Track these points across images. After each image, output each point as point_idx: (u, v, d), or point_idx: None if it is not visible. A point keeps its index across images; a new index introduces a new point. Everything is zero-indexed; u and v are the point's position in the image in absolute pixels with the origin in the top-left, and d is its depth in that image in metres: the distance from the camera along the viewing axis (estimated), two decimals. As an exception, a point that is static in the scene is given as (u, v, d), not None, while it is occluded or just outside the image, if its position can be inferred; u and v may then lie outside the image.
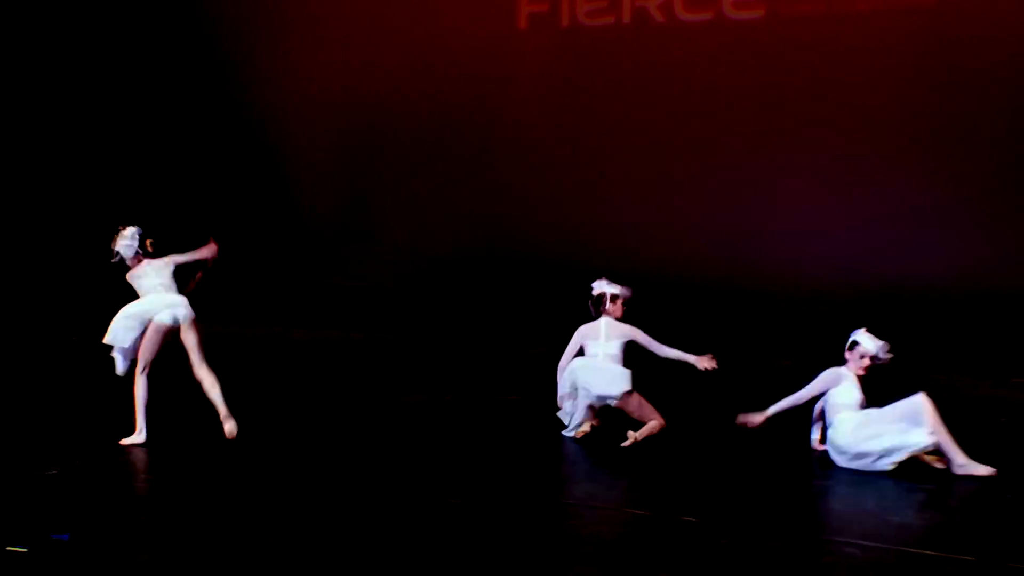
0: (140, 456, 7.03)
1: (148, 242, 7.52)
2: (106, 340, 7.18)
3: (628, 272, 13.32)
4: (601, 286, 7.56)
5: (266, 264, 15.48)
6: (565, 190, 14.57)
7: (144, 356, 7.16)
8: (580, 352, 7.44)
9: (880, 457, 6.54)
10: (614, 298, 7.51)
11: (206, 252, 7.65)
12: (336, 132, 15.79)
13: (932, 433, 6.50)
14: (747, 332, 12.31)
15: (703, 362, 7.25)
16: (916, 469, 6.58)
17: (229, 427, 7.09)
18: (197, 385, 7.28)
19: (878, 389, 7.04)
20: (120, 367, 7.21)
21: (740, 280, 13.48)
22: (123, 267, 7.50)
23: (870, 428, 6.58)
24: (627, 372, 7.22)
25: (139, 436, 7.19)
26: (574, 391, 7.29)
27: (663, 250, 13.93)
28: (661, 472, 6.74)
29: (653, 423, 7.19)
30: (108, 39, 15.94)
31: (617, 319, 7.52)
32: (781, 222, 13.41)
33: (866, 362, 7.02)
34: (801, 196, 13.31)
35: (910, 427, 6.55)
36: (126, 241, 7.43)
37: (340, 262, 15.67)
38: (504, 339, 11.98)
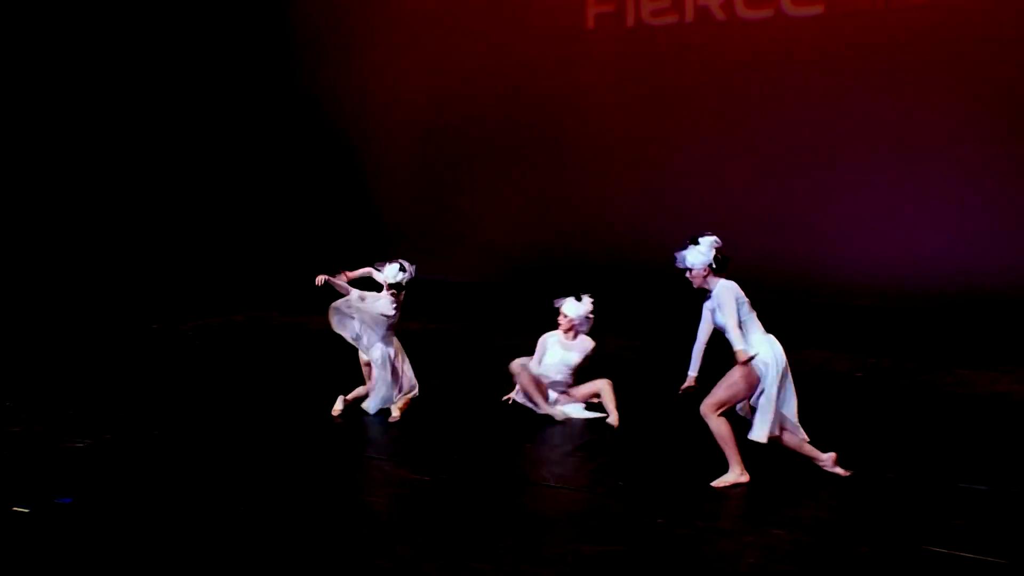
0: (179, 435, 7.64)
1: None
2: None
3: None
4: (559, 304, 7.90)
5: (344, 262, 16.10)
6: (631, 185, 14.79)
7: None
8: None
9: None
10: (563, 317, 7.87)
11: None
12: (413, 132, 16.33)
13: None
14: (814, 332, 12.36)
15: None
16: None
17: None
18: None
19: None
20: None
21: (804, 276, 13.52)
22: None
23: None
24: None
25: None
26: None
27: (730, 245, 14.00)
28: (632, 459, 7.00)
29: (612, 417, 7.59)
30: (198, 42, 16.80)
31: (568, 336, 7.93)
32: (843, 218, 13.40)
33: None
34: (862, 192, 13.27)
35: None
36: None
37: (418, 259, 16.19)
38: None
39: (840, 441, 7.27)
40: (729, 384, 6.24)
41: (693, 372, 6.47)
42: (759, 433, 6.20)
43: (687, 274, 6.32)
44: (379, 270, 8.18)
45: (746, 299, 6.29)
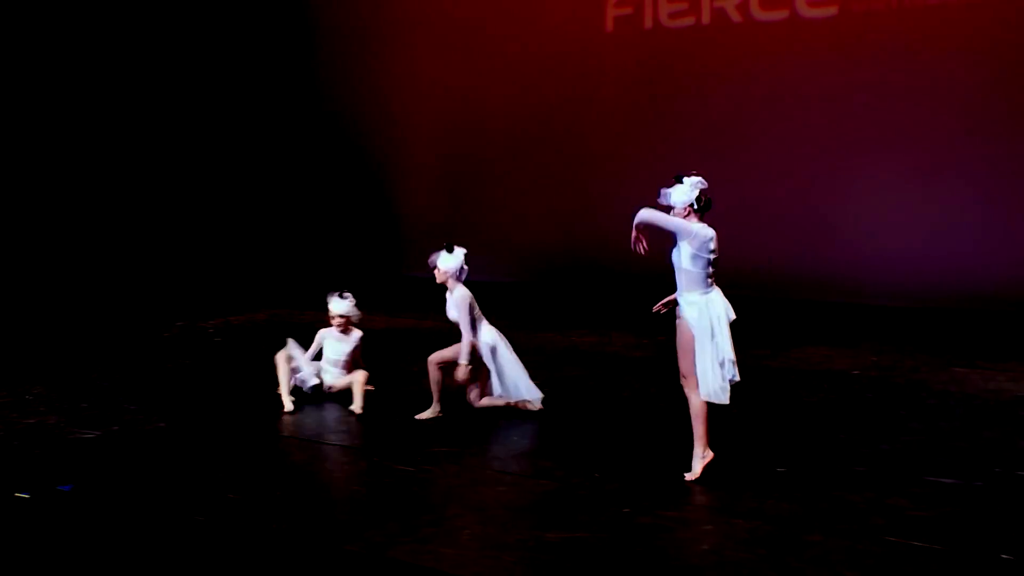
0: (180, 431, 7.98)
1: None
2: None
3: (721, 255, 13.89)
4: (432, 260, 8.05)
5: (366, 262, 16.53)
6: (650, 186, 14.87)
7: None
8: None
9: None
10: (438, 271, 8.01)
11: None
12: (433, 135, 16.65)
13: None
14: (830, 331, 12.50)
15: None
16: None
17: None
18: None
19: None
20: None
21: (813, 278, 13.63)
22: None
23: None
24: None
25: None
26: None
27: (747, 246, 14.17)
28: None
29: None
30: (226, 47, 17.22)
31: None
32: (856, 221, 13.49)
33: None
34: (876, 194, 13.35)
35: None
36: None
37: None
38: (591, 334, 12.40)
39: (815, 435, 7.47)
40: (681, 350, 6.36)
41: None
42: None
43: (670, 211, 6.40)
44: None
45: (711, 256, 6.31)
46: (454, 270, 7.86)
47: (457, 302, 7.82)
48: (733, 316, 6.40)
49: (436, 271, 7.86)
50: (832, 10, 13.56)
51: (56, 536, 5.85)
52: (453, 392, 8.19)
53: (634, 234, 6.22)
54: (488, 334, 7.92)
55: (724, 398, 6.32)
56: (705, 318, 6.27)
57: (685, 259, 6.32)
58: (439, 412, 7.92)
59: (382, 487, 6.45)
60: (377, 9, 16.95)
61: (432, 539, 5.55)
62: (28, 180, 14.81)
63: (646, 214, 6.20)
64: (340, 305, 8.72)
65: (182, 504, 6.15)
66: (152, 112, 16.28)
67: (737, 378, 6.36)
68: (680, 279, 6.38)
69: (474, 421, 7.92)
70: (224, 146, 17.13)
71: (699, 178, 6.38)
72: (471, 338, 7.81)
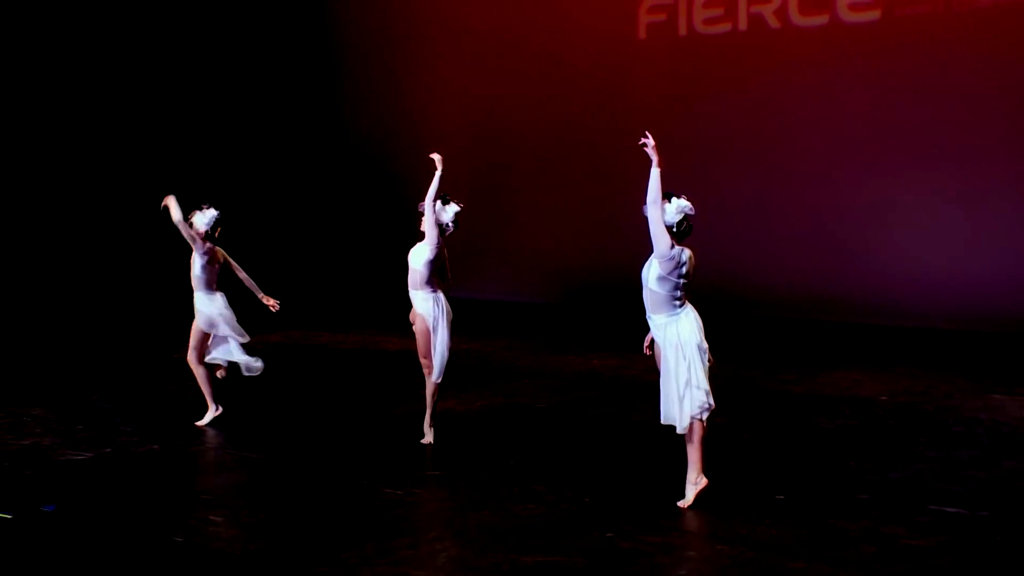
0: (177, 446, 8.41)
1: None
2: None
3: (748, 278, 14.17)
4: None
5: (385, 279, 16.89)
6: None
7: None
8: None
9: None
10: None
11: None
12: (459, 146, 16.95)
13: None
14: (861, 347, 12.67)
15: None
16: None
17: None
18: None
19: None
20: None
21: (849, 298, 13.81)
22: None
23: None
24: None
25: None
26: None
27: (780, 263, 14.42)
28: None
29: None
30: (244, 55, 17.77)
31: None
32: (894, 237, 13.66)
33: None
34: (916, 208, 13.52)
35: None
36: None
37: (463, 278, 16.84)
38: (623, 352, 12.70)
39: (823, 462, 7.71)
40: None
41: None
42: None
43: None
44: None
45: (682, 280, 6.59)
46: (441, 221, 8.22)
47: (427, 255, 8.18)
48: (705, 345, 6.65)
49: (424, 210, 8.19)
50: (875, 14, 13.78)
51: (37, 556, 6.27)
52: (456, 416, 8.53)
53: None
54: (433, 308, 8.15)
55: (679, 425, 6.58)
56: (671, 342, 6.55)
57: (652, 279, 6.61)
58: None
59: (368, 510, 6.79)
60: (401, 17, 17.44)
61: (406, 562, 5.88)
62: (40, 195, 15.41)
63: (652, 195, 6.56)
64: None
65: (161, 525, 6.54)
66: (167, 124, 16.81)
67: (712, 406, 6.61)
68: (646, 298, 6.68)
69: (472, 445, 8.25)
70: (240, 159, 17.62)
71: (688, 204, 6.73)
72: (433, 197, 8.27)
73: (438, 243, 8.17)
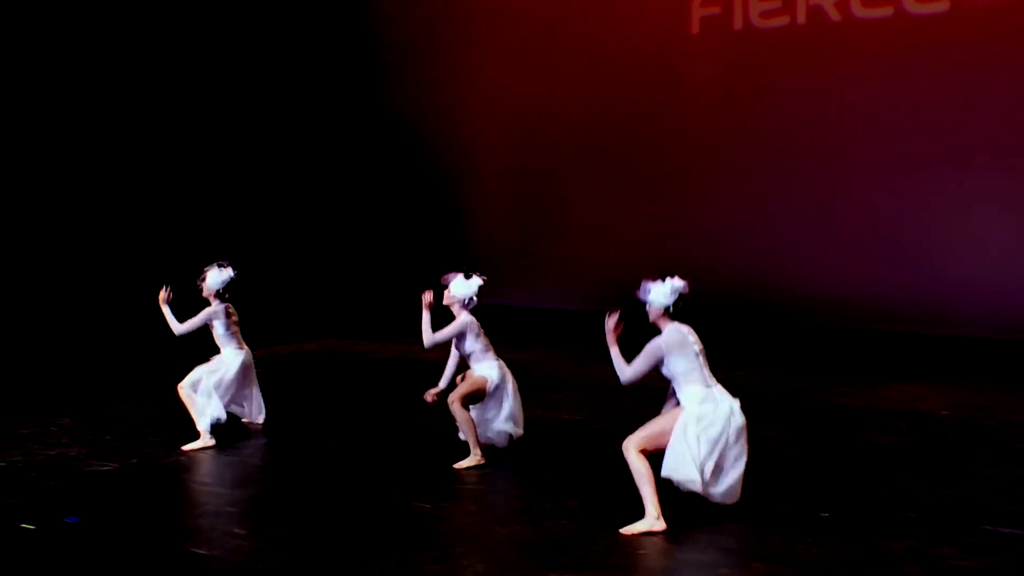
0: (197, 459, 8.65)
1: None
2: None
3: (804, 284, 14.20)
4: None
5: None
6: (741, 201, 15.28)
7: None
8: None
9: None
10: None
11: None
12: (504, 148, 17.22)
13: None
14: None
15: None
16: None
17: None
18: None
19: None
20: None
21: (913, 306, 13.79)
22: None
23: None
24: None
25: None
26: None
27: (838, 270, 14.43)
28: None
29: None
30: (283, 58, 18.05)
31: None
32: (963, 241, 13.62)
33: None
34: (987, 212, 13.48)
35: None
36: None
37: (512, 284, 17.03)
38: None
39: (873, 478, 7.77)
40: (660, 426, 6.80)
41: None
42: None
43: (646, 306, 6.96)
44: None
45: (696, 346, 6.85)
46: (463, 297, 8.38)
47: (453, 324, 8.35)
48: (741, 420, 6.79)
49: (446, 293, 8.40)
50: (943, 5, 13.77)
51: (60, 567, 6.51)
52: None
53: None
54: (493, 369, 8.37)
55: (693, 484, 6.70)
56: (707, 408, 6.69)
57: (673, 366, 6.82)
58: (480, 459, 8.26)
59: (395, 524, 6.97)
60: (444, 14, 17.64)
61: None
62: (71, 201, 15.77)
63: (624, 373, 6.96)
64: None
65: (183, 537, 6.76)
66: (201, 125, 17.10)
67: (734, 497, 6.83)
68: (677, 385, 6.85)
69: (505, 459, 8.40)
70: (279, 162, 17.88)
71: (683, 283, 6.98)
72: (430, 343, 8.31)
73: (466, 326, 8.35)
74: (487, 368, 8.38)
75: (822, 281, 14.61)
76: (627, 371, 6.94)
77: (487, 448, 8.43)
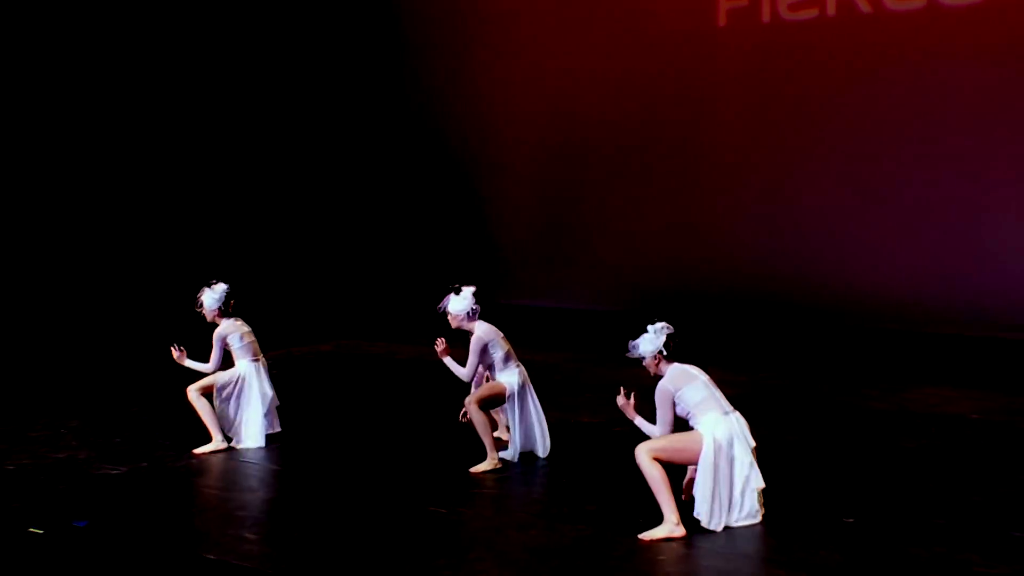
0: (205, 462, 8.74)
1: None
2: None
3: (839, 280, 14.20)
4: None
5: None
6: (770, 200, 15.27)
7: None
8: None
9: None
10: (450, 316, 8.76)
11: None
12: (528, 145, 17.23)
13: None
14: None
15: None
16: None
17: None
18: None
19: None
20: None
21: (946, 306, 13.76)
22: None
23: None
24: None
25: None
26: None
27: (868, 268, 14.41)
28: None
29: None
30: (306, 53, 18.16)
31: None
32: (1000, 237, 13.58)
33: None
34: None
35: None
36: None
37: (536, 284, 17.08)
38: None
39: (900, 483, 7.79)
40: (677, 440, 6.89)
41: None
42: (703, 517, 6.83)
43: (642, 363, 7.13)
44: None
45: (702, 377, 6.98)
46: (464, 311, 8.49)
47: (472, 344, 8.48)
48: (752, 443, 6.92)
49: (449, 317, 8.56)
50: (980, -4, 13.72)
51: (67, 572, 6.61)
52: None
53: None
54: (513, 377, 8.46)
55: (715, 525, 6.79)
56: (723, 437, 6.79)
57: (686, 400, 6.91)
58: (497, 463, 8.36)
59: (409, 528, 7.04)
60: (468, 9, 17.67)
61: (446, 581, 6.12)
62: (79, 199, 15.92)
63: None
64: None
65: (193, 542, 6.84)
66: (220, 123, 17.23)
67: (758, 516, 6.89)
68: (695, 420, 6.91)
69: (523, 462, 8.46)
70: (297, 160, 17.98)
71: (663, 323, 7.15)
72: (470, 375, 8.51)
73: (482, 349, 8.50)
74: (507, 375, 8.50)
75: (851, 281, 14.57)
76: (657, 430, 7.00)
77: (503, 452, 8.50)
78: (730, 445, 6.80)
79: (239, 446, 9.07)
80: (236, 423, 9.17)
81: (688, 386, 6.92)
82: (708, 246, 15.67)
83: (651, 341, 7.10)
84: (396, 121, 18.34)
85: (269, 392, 9.26)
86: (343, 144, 18.45)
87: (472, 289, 8.66)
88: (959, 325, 13.65)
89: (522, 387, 8.50)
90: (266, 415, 9.21)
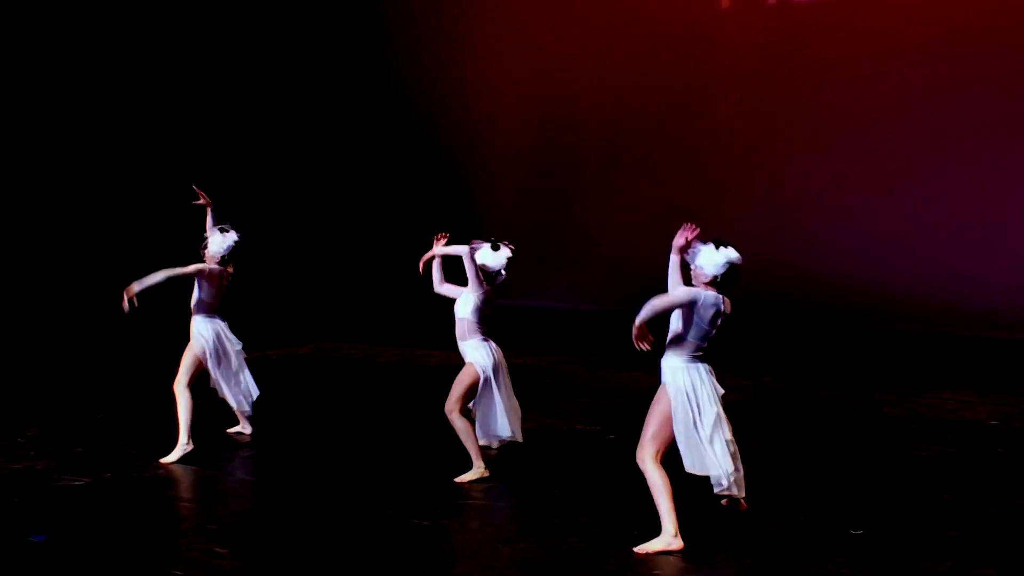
0: (175, 471, 8.73)
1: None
2: None
3: (849, 279, 14.19)
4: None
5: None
6: (775, 192, 15.31)
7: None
8: None
9: None
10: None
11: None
12: (520, 136, 17.23)
13: None
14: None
15: None
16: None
17: None
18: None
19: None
20: None
21: (965, 307, 13.78)
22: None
23: None
24: None
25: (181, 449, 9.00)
26: None
27: (881, 265, 14.44)
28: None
29: None
30: (290, 47, 18.17)
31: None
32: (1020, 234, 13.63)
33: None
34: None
35: None
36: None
37: (528, 284, 17.04)
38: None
39: (913, 493, 7.80)
40: (657, 419, 6.77)
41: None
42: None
43: (691, 270, 6.87)
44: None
45: (713, 328, 6.78)
46: (489, 268, 8.33)
47: (473, 303, 8.32)
48: (721, 391, 6.82)
49: (470, 254, 8.30)
50: (1003, -22, 13.77)
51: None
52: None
53: (636, 332, 6.62)
54: (482, 351, 8.35)
55: (722, 476, 6.70)
56: (688, 385, 6.70)
57: (680, 320, 6.75)
58: (483, 472, 8.31)
59: (389, 542, 7.03)
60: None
61: (431, 598, 6.11)
62: (39, 200, 15.94)
63: (648, 309, 6.61)
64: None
65: (159, 557, 6.82)
66: (194, 119, 17.27)
67: (733, 470, 6.74)
68: (669, 338, 6.82)
69: (511, 472, 8.45)
70: (280, 156, 18.00)
71: (737, 255, 6.79)
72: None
73: (484, 289, 8.34)
74: (473, 349, 8.30)
75: (862, 279, 14.64)
76: (667, 295, 6.76)
77: (491, 460, 8.47)
78: (695, 393, 6.69)
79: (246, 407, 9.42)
80: (243, 384, 9.44)
81: (701, 316, 6.69)
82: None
83: (714, 262, 6.73)
84: (382, 117, 18.35)
85: (238, 345, 9.47)
86: (328, 141, 18.44)
87: (508, 253, 8.39)
88: (977, 326, 13.69)
89: (496, 370, 8.30)
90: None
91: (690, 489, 7.01)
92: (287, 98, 18.20)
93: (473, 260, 8.33)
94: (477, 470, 8.30)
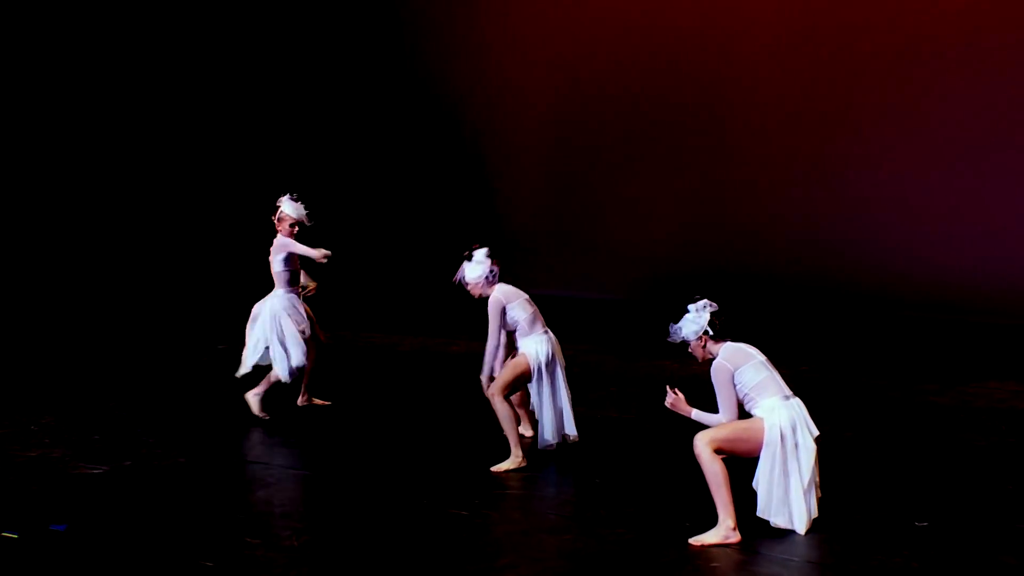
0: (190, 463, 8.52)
1: None
2: None
3: (883, 266, 13.96)
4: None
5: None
6: (802, 180, 15.07)
7: None
8: None
9: None
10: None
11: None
12: (540, 122, 16.98)
13: None
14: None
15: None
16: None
17: None
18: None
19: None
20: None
21: (1010, 295, 13.58)
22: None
23: None
24: None
25: None
26: None
27: (921, 254, 14.22)
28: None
29: None
30: (307, 37, 18.01)
31: None
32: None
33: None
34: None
35: None
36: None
37: (549, 272, 16.85)
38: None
39: (975, 485, 7.60)
40: (739, 429, 6.62)
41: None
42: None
43: (688, 349, 6.85)
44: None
45: (759, 356, 6.69)
46: (482, 277, 8.18)
47: (490, 308, 8.20)
48: (816, 432, 6.66)
49: (468, 287, 8.26)
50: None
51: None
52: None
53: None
54: (540, 346, 8.17)
55: (799, 526, 6.57)
56: (787, 424, 6.53)
57: (744, 382, 6.66)
58: (521, 461, 8.09)
59: (427, 533, 6.81)
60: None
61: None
62: (53, 194, 15.87)
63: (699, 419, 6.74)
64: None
65: (189, 548, 6.60)
66: (204, 112, 17.21)
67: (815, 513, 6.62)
68: (752, 403, 6.67)
69: (550, 459, 8.23)
70: (298, 144, 17.89)
71: (704, 300, 6.81)
72: (495, 344, 8.18)
73: (503, 326, 8.22)
74: (532, 343, 8.15)
75: (897, 268, 14.41)
76: (722, 416, 6.71)
77: (525, 450, 8.22)
78: (794, 432, 6.54)
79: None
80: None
81: (745, 365, 6.64)
82: (739, 228, 15.47)
83: (694, 321, 6.78)
84: (402, 106, 18.04)
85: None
86: (348, 130, 18.23)
87: (485, 251, 8.30)
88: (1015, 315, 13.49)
89: (551, 360, 8.16)
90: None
91: (745, 480, 6.78)
92: (307, 88, 18.10)
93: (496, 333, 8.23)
94: (515, 459, 8.07)
